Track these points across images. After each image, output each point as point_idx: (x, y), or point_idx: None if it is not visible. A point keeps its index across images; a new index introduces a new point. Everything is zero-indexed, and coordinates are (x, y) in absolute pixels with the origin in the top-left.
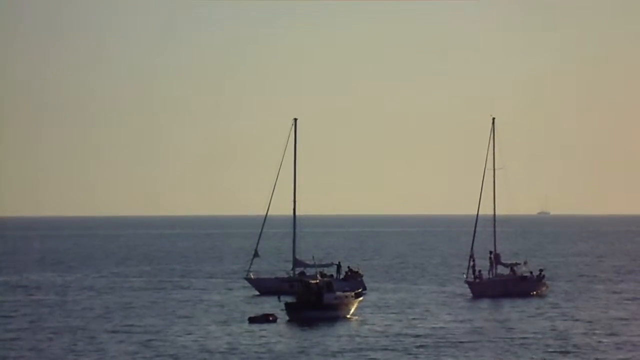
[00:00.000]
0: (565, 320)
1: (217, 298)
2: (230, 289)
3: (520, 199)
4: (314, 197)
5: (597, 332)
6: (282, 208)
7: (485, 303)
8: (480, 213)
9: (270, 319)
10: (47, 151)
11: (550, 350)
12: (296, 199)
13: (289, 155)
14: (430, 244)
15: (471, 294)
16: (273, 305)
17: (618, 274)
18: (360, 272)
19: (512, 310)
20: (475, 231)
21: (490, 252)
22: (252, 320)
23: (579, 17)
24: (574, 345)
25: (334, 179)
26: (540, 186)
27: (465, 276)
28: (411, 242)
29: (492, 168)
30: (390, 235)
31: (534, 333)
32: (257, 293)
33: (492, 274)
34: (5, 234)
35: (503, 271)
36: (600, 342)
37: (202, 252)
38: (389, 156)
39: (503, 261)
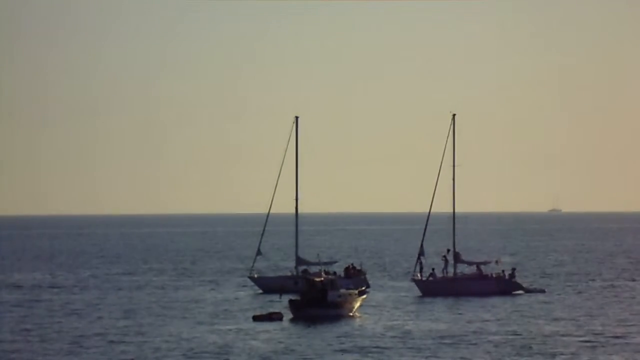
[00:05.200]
0: (538, 319)
1: (220, 296)
2: (234, 288)
3: (531, 196)
4: (316, 195)
5: (572, 333)
6: (284, 206)
7: (478, 303)
8: (485, 211)
9: (275, 317)
10: (52, 149)
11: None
12: (298, 197)
13: (290, 153)
14: (431, 240)
15: (420, 293)
16: (277, 303)
17: (593, 273)
18: (364, 270)
19: (479, 310)
20: (425, 229)
21: (448, 250)
22: (256, 318)
23: (573, 12)
24: (546, 345)
25: (336, 176)
26: (552, 184)
27: (413, 274)
28: (412, 239)
29: (452, 165)
30: (394, 233)
31: (504, 334)
32: (261, 291)
33: (446, 273)
34: (5, 234)
35: (467, 270)
36: (571, 342)
37: (204, 250)
38: (391, 154)
39: (466, 259)
